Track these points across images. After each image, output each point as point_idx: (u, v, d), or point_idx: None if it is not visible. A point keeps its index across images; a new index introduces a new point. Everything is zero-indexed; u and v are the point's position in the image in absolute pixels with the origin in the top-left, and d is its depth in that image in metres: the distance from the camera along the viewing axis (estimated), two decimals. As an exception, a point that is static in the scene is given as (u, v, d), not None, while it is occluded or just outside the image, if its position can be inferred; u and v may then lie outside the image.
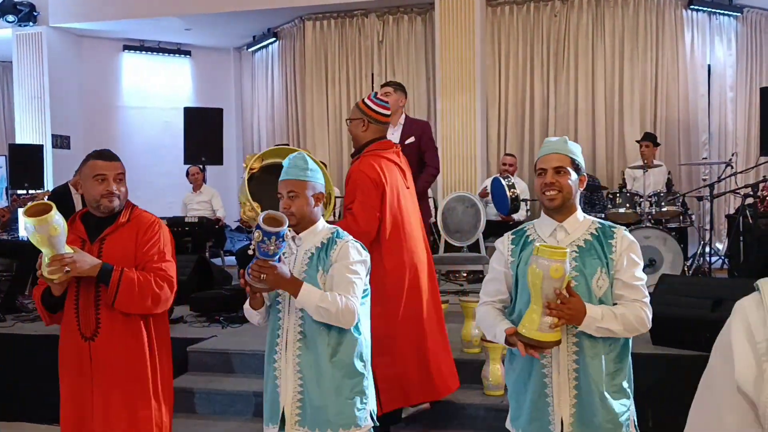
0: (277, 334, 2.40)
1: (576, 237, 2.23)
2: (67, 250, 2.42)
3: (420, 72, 8.72)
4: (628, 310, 2.14)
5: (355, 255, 2.37)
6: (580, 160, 2.29)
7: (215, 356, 4.53)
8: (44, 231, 2.34)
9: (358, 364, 2.39)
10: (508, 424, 2.35)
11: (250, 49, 10.17)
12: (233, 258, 6.13)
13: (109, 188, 2.57)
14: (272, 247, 2.18)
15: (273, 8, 8.57)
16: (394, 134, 4.55)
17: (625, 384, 2.21)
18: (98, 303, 2.55)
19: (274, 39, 9.67)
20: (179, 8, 8.71)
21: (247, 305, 2.43)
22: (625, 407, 2.20)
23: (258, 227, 2.18)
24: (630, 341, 2.24)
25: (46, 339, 4.91)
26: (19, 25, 8.82)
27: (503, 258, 2.31)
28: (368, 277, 2.46)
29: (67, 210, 7.27)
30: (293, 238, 2.37)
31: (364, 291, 2.43)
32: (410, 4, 8.60)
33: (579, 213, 2.28)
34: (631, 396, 2.24)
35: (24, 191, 7.83)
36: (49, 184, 8.35)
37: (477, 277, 6.51)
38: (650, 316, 2.17)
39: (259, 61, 10.19)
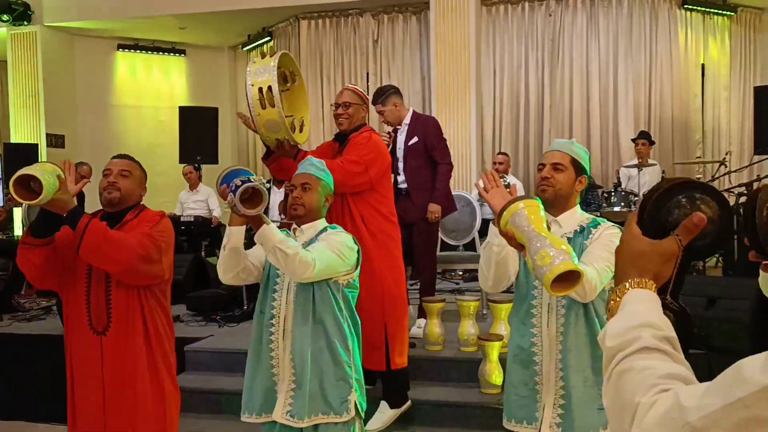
0: (271, 323, 2.48)
1: (568, 230, 2.29)
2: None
3: (415, 71, 8.73)
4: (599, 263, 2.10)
5: (343, 239, 2.48)
6: (583, 162, 2.34)
7: (212, 355, 4.54)
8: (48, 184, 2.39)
9: (345, 354, 2.49)
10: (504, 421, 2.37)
11: (245, 48, 10.16)
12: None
13: (109, 180, 2.63)
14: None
15: (268, 7, 8.57)
16: (401, 135, 4.58)
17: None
18: (109, 297, 2.56)
19: (269, 38, 9.66)
20: (174, 7, 8.69)
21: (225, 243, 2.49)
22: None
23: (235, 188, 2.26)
24: None
25: (42, 339, 4.92)
26: (14, 24, 8.79)
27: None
28: (357, 271, 2.56)
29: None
30: (294, 230, 2.54)
31: (353, 283, 2.54)
32: (405, 3, 8.61)
33: (577, 210, 2.33)
34: None
35: (19, 190, 7.79)
36: (44, 184, 8.32)
37: (473, 276, 6.52)
38: (594, 287, 2.06)
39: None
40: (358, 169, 3.34)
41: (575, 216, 2.32)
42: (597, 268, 2.08)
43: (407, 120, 4.60)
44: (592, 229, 2.26)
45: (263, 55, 3.35)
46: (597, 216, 2.41)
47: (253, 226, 2.35)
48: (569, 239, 2.24)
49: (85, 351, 2.59)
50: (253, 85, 3.22)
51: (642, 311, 1.01)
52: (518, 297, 2.34)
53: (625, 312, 1.03)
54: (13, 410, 4.75)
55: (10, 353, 4.91)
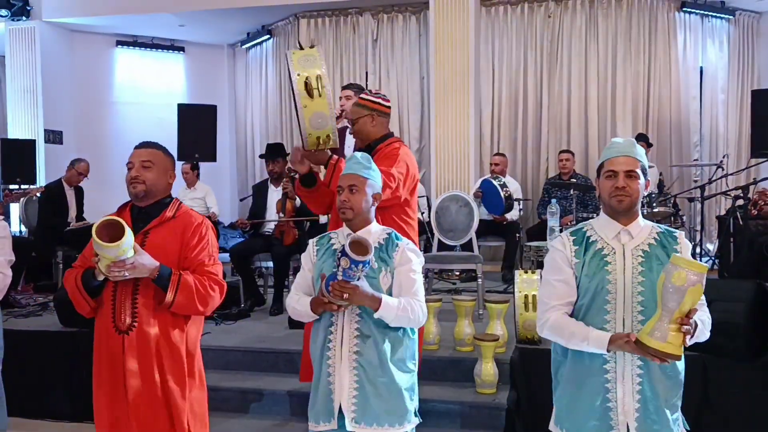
0: (330, 331, 2.43)
1: (640, 241, 2.24)
2: (129, 251, 2.41)
3: (414, 71, 8.74)
4: (705, 315, 2.19)
5: (415, 258, 2.48)
6: (647, 163, 2.30)
7: (209, 353, 4.51)
8: (111, 254, 2.35)
9: (410, 363, 2.48)
10: (553, 427, 2.36)
11: (244, 46, 10.16)
12: (227, 255, 6.13)
13: (132, 174, 2.62)
14: (358, 274, 2.26)
15: (267, 5, 8.57)
16: (351, 135, 4.27)
17: (680, 381, 2.24)
18: (135, 297, 2.56)
19: (269, 36, 9.66)
20: (173, 4, 8.69)
21: (302, 307, 2.45)
22: (677, 407, 2.25)
23: (345, 254, 2.23)
24: None
25: (39, 335, 4.92)
26: (12, 20, 8.78)
27: (567, 259, 2.28)
28: None
29: (60, 206, 7.26)
30: (348, 236, 2.46)
31: None
32: (405, 3, 8.63)
33: (641, 218, 2.29)
34: (681, 393, 2.27)
35: (16, 186, 7.80)
36: (42, 180, 8.32)
37: (469, 276, 6.53)
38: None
39: (253, 58, 10.18)
40: (391, 184, 3.13)
41: (641, 224, 2.28)
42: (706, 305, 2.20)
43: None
44: (671, 241, 2.24)
45: (302, 47, 3.25)
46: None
47: (369, 307, 2.34)
48: (646, 252, 2.21)
49: (106, 349, 2.59)
50: (299, 75, 3.05)
51: None
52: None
53: None
54: (10, 406, 4.74)
55: (6, 349, 4.89)
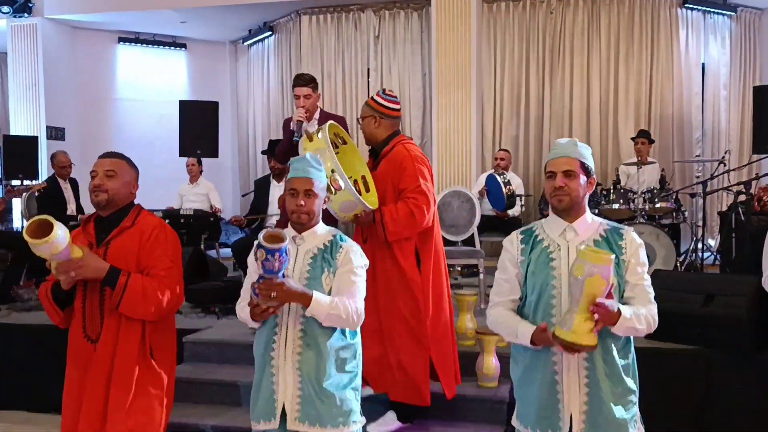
0: (274, 331, 2.43)
1: (586, 237, 2.28)
2: (76, 251, 2.43)
3: (416, 68, 8.74)
4: (645, 310, 2.20)
5: (358, 260, 2.46)
6: (590, 162, 2.34)
7: (210, 347, 4.54)
8: (45, 251, 2.36)
9: (351, 364, 2.47)
10: (514, 421, 2.38)
11: (245, 43, 10.16)
12: (229, 250, 6.14)
13: (94, 183, 2.62)
14: (276, 264, 2.21)
15: (269, 2, 8.57)
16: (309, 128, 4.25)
17: (631, 380, 2.26)
18: (103, 307, 2.58)
19: (270, 33, 9.66)
20: (175, 1, 8.69)
21: (245, 315, 2.43)
22: (633, 402, 2.25)
23: (259, 246, 2.21)
24: (632, 338, 2.29)
25: (40, 329, 4.93)
26: (14, 16, 8.78)
27: (514, 258, 2.35)
28: None
29: (58, 200, 7.24)
30: (293, 238, 2.46)
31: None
32: (407, -1, 8.62)
33: (588, 214, 2.33)
34: (637, 391, 2.28)
35: (18, 182, 7.81)
36: (44, 176, 8.33)
37: (471, 271, 6.54)
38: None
39: (254, 54, 10.18)
40: (424, 208, 3.32)
41: (588, 221, 2.32)
42: (653, 301, 2.25)
43: (317, 115, 4.36)
44: (617, 238, 2.27)
45: (310, 138, 3.26)
46: (595, 214, 2.43)
47: (299, 303, 2.33)
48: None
49: (79, 355, 2.64)
50: None
51: None
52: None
53: None
54: (12, 400, 4.77)
55: (8, 343, 4.91)
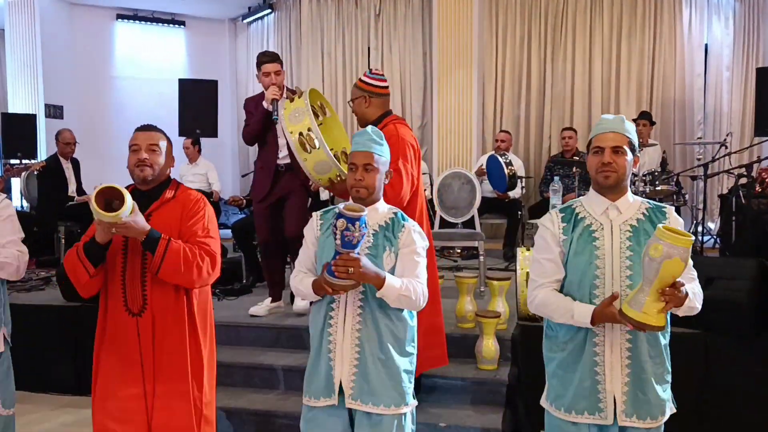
0: (331, 307, 2.39)
1: (629, 216, 2.25)
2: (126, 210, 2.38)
3: (417, 47, 8.67)
4: (695, 286, 2.18)
5: (420, 240, 2.43)
6: (636, 140, 2.28)
7: (211, 328, 4.55)
8: (111, 220, 2.34)
9: (410, 346, 2.45)
10: (544, 403, 2.38)
11: (245, 21, 10.08)
12: (229, 231, 6.13)
13: (140, 157, 2.58)
14: (356, 234, 2.18)
15: (269, -21, 8.50)
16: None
17: (668, 360, 2.28)
18: (144, 279, 2.55)
19: (270, 10, 9.57)
20: (174, -22, 8.61)
21: (305, 287, 2.39)
22: (669, 382, 2.27)
23: (340, 215, 2.18)
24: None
25: (41, 309, 4.94)
26: (11, -8, 8.70)
27: (555, 236, 2.30)
28: None
29: (59, 180, 7.21)
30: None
31: None
32: (408, -23, 8.53)
33: (629, 193, 2.29)
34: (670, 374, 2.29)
35: (17, 161, 7.78)
36: (43, 154, 8.30)
37: (471, 254, 6.53)
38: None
39: (254, 32, 10.09)
40: (404, 179, 3.21)
41: (629, 200, 2.28)
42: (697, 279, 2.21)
43: (284, 93, 4.32)
44: (660, 216, 2.24)
45: (291, 98, 3.29)
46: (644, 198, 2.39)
47: (372, 284, 2.29)
48: (634, 227, 2.22)
49: (121, 332, 2.58)
50: (292, 133, 3.16)
51: None
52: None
53: None
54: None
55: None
